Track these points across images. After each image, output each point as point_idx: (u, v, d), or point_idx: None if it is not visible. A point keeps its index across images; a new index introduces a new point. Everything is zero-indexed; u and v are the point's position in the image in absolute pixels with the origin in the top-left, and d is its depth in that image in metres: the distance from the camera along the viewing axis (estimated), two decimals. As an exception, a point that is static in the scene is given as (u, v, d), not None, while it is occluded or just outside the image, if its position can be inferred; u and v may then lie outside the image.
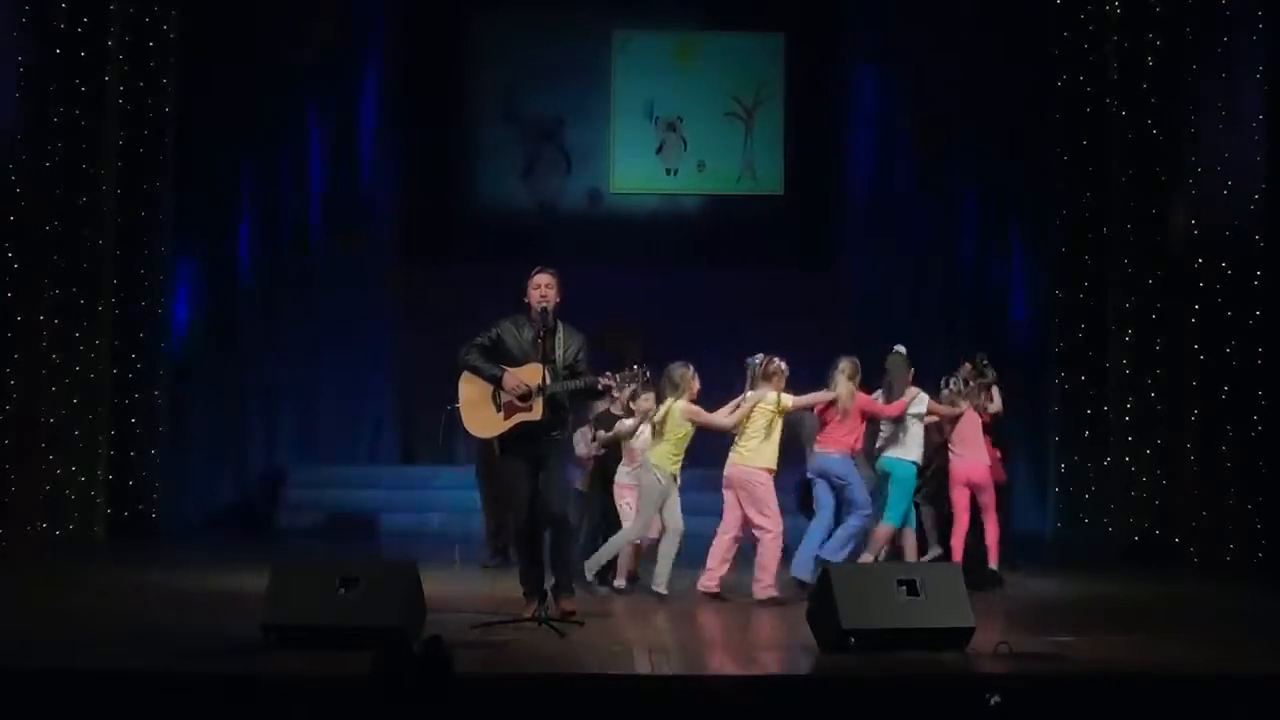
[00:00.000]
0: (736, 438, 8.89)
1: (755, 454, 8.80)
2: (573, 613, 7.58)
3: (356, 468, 14.98)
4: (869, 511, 9.26)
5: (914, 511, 9.85)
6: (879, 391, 9.65)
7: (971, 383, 10.04)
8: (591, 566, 9.09)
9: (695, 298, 14.87)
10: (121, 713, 5.76)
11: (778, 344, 9.28)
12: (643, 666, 6.58)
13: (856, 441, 9.32)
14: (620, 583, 9.19)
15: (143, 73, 13.00)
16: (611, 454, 9.49)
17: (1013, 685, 5.99)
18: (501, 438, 7.67)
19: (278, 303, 15.01)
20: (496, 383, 7.56)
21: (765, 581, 8.67)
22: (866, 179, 15.66)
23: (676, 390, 8.98)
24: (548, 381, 7.48)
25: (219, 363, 14.62)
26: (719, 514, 8.97)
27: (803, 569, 8.98)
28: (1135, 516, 11.93)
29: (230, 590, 8.85)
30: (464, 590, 9.05)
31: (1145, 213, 11.94)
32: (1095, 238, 12.86)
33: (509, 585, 8.16)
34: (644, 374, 8.36)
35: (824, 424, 9.31)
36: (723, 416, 8.93)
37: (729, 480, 8.88)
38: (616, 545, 9.18)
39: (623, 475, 9.38)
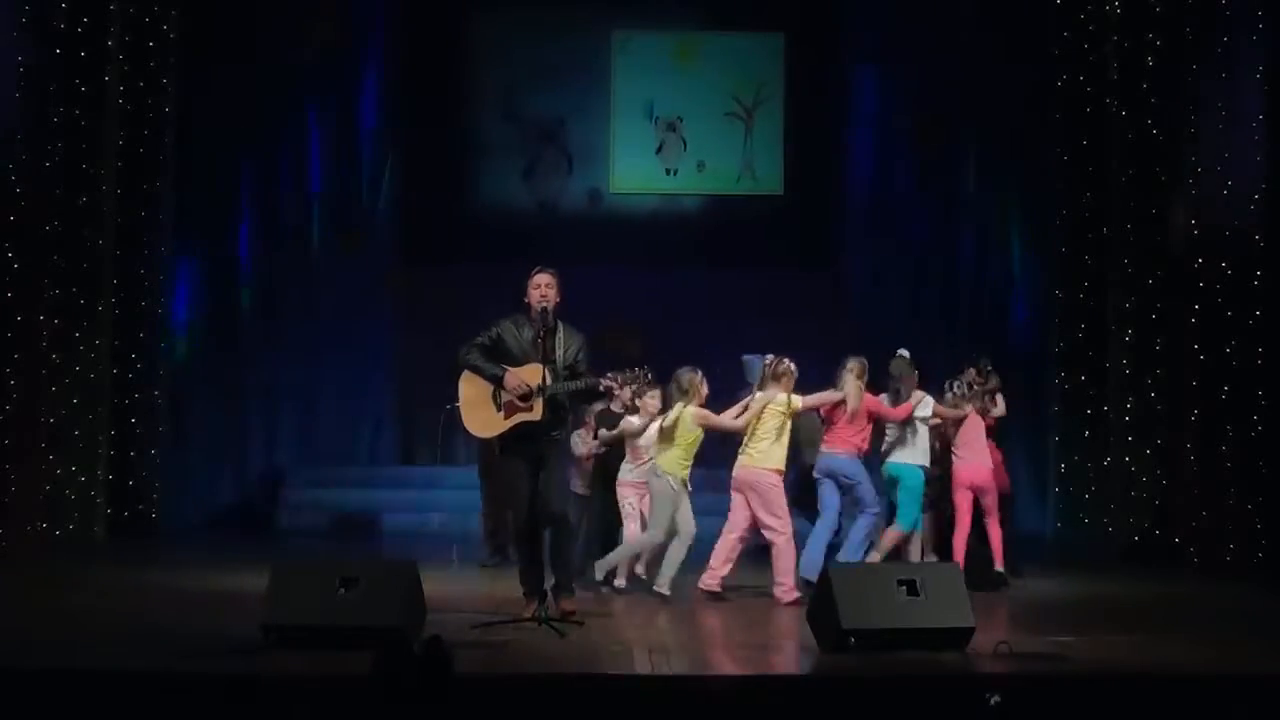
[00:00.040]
0: (746, 439, 8.85)
1: (766, 455, 8.77)
2: (573, 613, 7.57)
3: (356, 468, 15.00)
4: (878, 510, 9.25)
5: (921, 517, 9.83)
6: (884, 395, 9.64)
7: (976, 386, 10.02)
8: (602, 568, 9.08)
9: (695, 298, 14.89)
10: (121, 713, 5.75)
11: (778, 344, 9.29)
12: (643, 666, 6.56)
13: (864, 442, 9.29)
14: (620, 582, 9.16)
15: (143, 73, 12.98)
16: (613, 452, 9.48)
17: (1013, 685, 5.99)
18: (501, 437, 7.68)
19: (278, 303, 15.01)
20: (498, 382, 7.55)
21: (787, 585, 8.62)
22: (866, 179, 15.67)
23: (686, 395, 8.90)
24: (548, 382, 7.47)
25: (219, 363, 14.59)
26: (725, 515, 8.95)
27: (811, 569, 8.92)
28: (1135, 516, 11.92)
29: (230, 590, 8.85)
30: (464, 590, 9.04)
31: (1145, 213, 11.93)
32: (1095, 238, 12.83)
33: (509, 585, 8.15)
34: (645, 375, 8.35)
35: (831, 424, 9.29)
36: (732, 419, 8.91)
37: (738, 481, 8.85)
38: (631, 549, 9.16)
39: (626, 473, 9.36)
